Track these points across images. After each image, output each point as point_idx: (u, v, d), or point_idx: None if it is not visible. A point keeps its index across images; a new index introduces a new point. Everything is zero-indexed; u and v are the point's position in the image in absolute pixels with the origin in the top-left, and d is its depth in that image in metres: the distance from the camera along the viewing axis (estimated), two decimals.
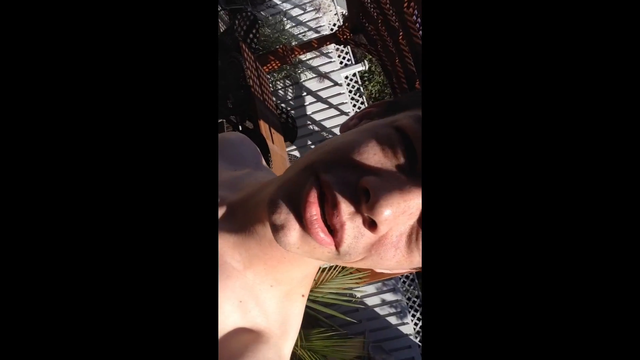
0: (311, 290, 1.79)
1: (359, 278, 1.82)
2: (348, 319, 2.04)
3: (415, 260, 0.24)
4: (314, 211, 0.23)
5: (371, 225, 0.23)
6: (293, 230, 0.24)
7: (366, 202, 0.22)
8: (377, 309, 3.36)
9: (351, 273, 1.81)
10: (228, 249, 0.31)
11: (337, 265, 1.82)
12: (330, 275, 1.80)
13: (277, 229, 0.24)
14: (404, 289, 3.43)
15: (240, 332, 0.30)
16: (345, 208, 0.23)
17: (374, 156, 0.24)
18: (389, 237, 0.24)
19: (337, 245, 0.24)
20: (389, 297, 3.38)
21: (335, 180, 0.24)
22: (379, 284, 3.24)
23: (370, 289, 3.25)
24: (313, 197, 0.24)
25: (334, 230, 0.24)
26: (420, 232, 0.23)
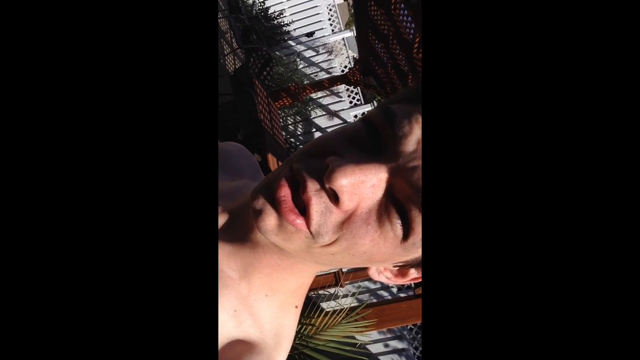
0: (311, 337, 1.67)
1: (364, 326, 1.70)
2: None
3: (389, 238, 0.24)
4: (282, 192, 0.25)
5: (335, 198, 0.24)
6: (270, 215, 0.25)
7: (325, 175, 0.24)
8: (381, 357, 3.12)
9: (356, 320, 1.70)
10: (224, 257, 0.31)
11: (340, 311, 1.71)
12: (333, 321, 1.69)
13: (256, 215, 0.26)
14: (411, 336, 3.21)
15: (234, 343, 0.30)
16: (311, 185, 0.24)
17: (339, 142, 0.26)
18: (359, 213, 0.24)
19: (308, 224, 0.25)
20: (395, 344, 3.16)
21: (304, 166, 0.26)
22: (384, 329, 3.04)
23: (375, 334, 3.05)
24: (283, 181, 0.25)
25: (305, 210, 0.25)
26: (391, 206, 0.24)
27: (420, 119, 0.24)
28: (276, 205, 0.25)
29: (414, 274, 0.29)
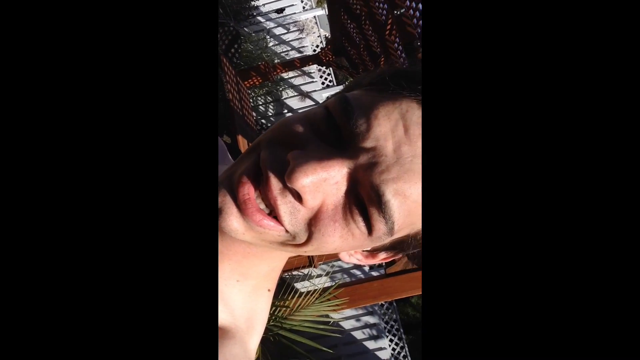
0: (285, 318, 1.69)
1: (337, 305, 1.75)
2: (325, 349, 1.95)
3: (357, 234, 0.24)
4: (245, 190, 0.24)
5: (298, 196, 0.23)
6: (231, 215, 0.24)
7: (286, 174, 0.23)
8: (353, 333, 3.26)
9: (328, 300, 1.74)
10: None
11: (313, 292, 1.75)
12: (306, 302, 1.72)
13: (220, 217, 0.24)
14: (382, 312, 3.37)
15: None
16: (275, 184, 0.23)
17: (303, 132, 0.25)
18: (325, 210, 0.24)
19: (281, 224, 0.24)
20: (367, 319, 3.30)
21: (267, 158, 0.24)
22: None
23: (347, 311, 3.17)
24: (245, 178, 0.24)
25: (273, 210, 0.24)
26: (353, 205, 0.23)
27: (380, 114, 0.23)
28: (239, 204, 0.24)
29: (384, 255, 0.30)
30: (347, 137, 0.24)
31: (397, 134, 0.23)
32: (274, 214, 0.24)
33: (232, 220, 0.24)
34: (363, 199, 0.23)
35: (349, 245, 0.25)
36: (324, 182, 0.23)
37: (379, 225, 0.23)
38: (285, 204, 0.24)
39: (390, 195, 0.23)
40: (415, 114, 0.24)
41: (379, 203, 0.23)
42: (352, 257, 0.30)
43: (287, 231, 0.24)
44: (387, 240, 0.25)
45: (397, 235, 0.25)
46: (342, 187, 0.24)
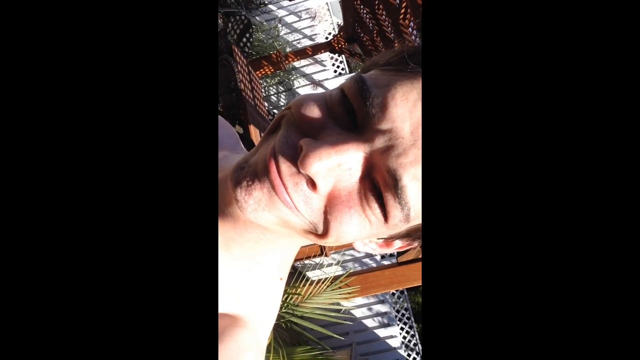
0: (297, 306, 1.73)
1: (348, 293, 1.77)
2: (336, 336, 1.99)
3: (373, 221, 0.24)
4: (274, 168, 0.23)
5: (312, 183, 0.23)
6: (259, 190, 0.23)
7: (299, 160, 0.22)
8: (364, 321, 3.30)
9: (340, 288, 1.76)
10: None
11: (325, 280, 1.76)
12: (317, 289, 1.75)
13: (241, 193, 0.24)
14: (393, 300, 3.39)
15: (219, 316, 0.30)
16: (286, 169, 0.23)
17: (319, 116, 0.25)
18: (338, 196, 0.23)
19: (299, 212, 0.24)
20: (378, 308, 3.33)
21: (281, 141, 0.24)
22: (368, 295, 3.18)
23: (359, 300, 3.20)
24: (272, 156, 0.24)
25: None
26: (369, 191, 0.23)
27: (397, 94, 0.23)
28: (270, 180, 0.23)
29: (399, 244, 0.29)
30: (363, 120, 0.24)
31: (415, 115, 0.22)
32: None
33: (256, 195, 0.23)
34: (379, 184, 0.23)
35: (366, 233, 0.25)
36: (338, 167, 0.22)
37: (395, 212, 0.23)
38: (296, 192, 0.23)
39: (408, 179, 0.22)
40: None
41: (395, 188, 0.22)
42: (367, 245, 0.30)
43: (309, 221, 0.24)
44: (403, 227, 0.25)
45: (414, 222, 0.24)
46: (357, 172, 0.23)
